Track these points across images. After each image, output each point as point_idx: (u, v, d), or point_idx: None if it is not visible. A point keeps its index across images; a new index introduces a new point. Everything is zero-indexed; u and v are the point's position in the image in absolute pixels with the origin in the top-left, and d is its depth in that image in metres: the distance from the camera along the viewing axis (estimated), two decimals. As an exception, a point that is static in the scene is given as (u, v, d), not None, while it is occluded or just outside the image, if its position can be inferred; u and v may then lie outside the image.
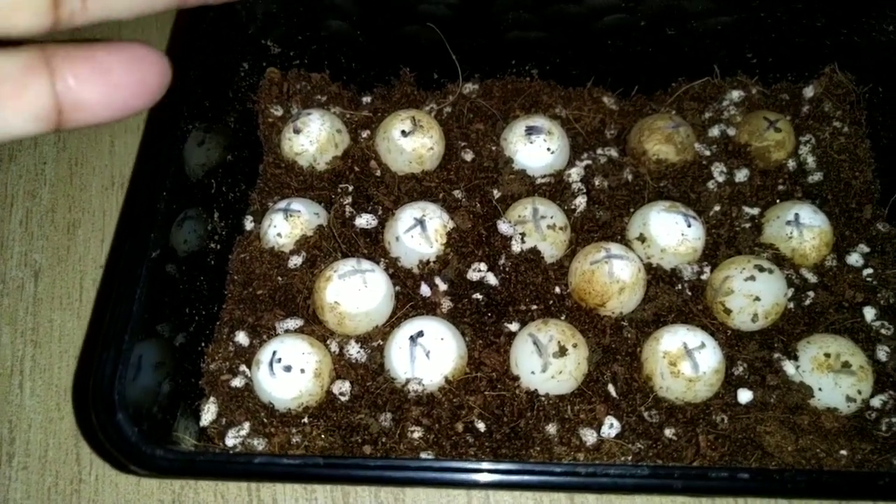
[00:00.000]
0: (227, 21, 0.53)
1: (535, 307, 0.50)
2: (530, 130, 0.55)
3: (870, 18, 0.56)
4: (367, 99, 0.60)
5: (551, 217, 0.51)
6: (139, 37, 0.68)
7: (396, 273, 0.51)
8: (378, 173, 0.55)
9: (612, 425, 0.45)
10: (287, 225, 0.51)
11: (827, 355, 0.47)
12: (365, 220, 0.52)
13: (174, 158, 0.46)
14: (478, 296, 0.50)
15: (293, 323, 0.49)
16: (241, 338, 0.49)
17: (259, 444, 0.44)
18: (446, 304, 0.50)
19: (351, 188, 0.54)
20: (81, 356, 0.53)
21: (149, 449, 0.37)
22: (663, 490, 0.37)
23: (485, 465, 0.37)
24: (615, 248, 0.50)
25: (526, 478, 0.37)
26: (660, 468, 0.38)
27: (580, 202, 0.53)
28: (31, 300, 0.56)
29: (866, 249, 0.53)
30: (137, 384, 0.40)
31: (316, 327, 0.49)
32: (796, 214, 0.52)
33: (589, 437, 0.45)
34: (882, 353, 0.49)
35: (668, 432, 0.46)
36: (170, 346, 0.45)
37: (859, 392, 0.46)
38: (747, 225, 0.53)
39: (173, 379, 0.45)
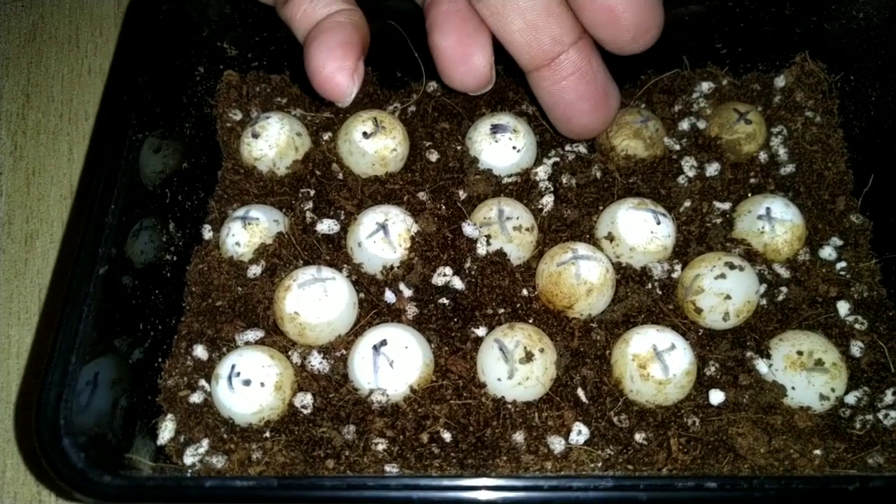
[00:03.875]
0: (179, 24, 0.52)
1: (502, 311, 0.49)
2: (495, 129, 0.53)
3: (839, 5, 0.55)
4: (328, 100, 0.59)
5: (517, 218, 0.50)
6: (97, 38, 0.67)
7: (360, 280, 0.50)
8: (340, 177, 0.54)
9: (580, 432, 0.44)
10: (245, 233, 0.50)
11: (800, 353, 0.46)
12: (327, 226, 0.51)
13: (123, 168, 0.44)
14: (444, 301, 0.49)
15: (253, 334, 0.48)
16: (200, 351, 0.47)
17: (218, 461, 0.43)
18: (411, 310, 0.49)
19: (312, 193, 0.53)
20: (25, 379, 0.51)
21: (96, 475, 0.36)
22: (628, 502, 0.36)
23: (444, 483, 0.36)
24: (582, 248, 0.48)
25: (487, 494, 0.36)
26: (625, 479, 0.37)
27: (547, 201, 0.52)
28: (-13, 316, 0.55)
29: (839, 242, 0.52)
30: (88, 406, 0.39)
31: (277, 338, 0.48)
32: (768, 208, 0.51)
33: (557, 444, 0.44)
34: (856, 348, 0.48)
35: (639, 437, 0.44)
36: (124, 363, 0.44)
37: (833, 390, 0.46)
38: (718, 220, 0.52)
39: (128, 397, 0.43)
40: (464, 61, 0.47)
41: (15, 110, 0.64)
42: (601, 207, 0.52)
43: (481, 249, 0.49)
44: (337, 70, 0.46)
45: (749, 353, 0.47)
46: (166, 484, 0.37)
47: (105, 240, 0.42)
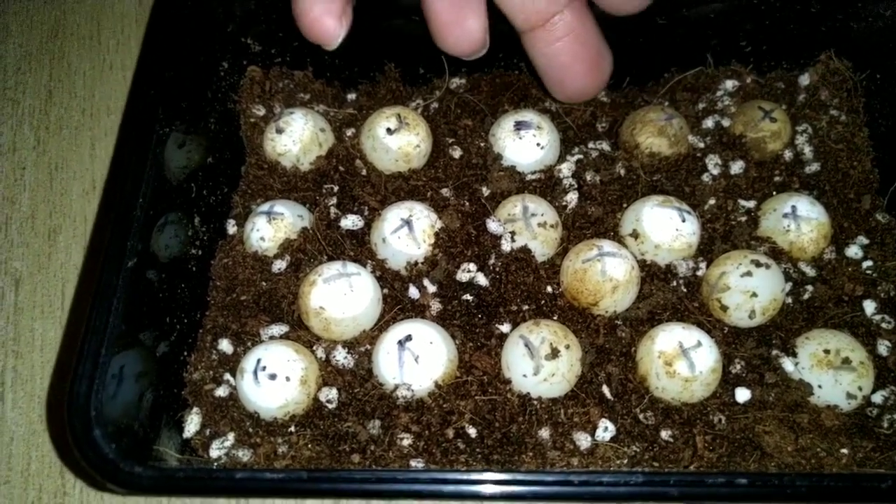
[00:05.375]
0: (204, 20, 0.52)
1: (526, 307, 0.48)
2: (519, 126, 0.53)
3: (866, 3, 0.55)
4: (351, 96, 0.59)
5: (542, 214, 0.50)
6: (118, 34, 0.67)
7: (384, 275, 0.50)
8: (364, 173, 0.54)
9: (606, 428, 0.44)
10: (270, 228, 0.50)
11: (826, 351, 0.46)
12: (351, 222, 0.51)
13: (150, 163, 0.44)
14: (468, 297, 0.49)
15: (278, 329, 0.48)
16: (225, 345, 0.47)
17: (244, 454, 0.43)
18: (435, 306, 0.49)
19: (336, 188, 0.53)
20: (56, 371, 0.51)
21: (127, 466, 0.36)
22: (659, 498, 0.36)
23: (474, 476, 0.36)
24: (608, 245, 0.48)
25: (517, 488, 0.36)
26: (655, 475, 0.37)
27: (571, 198, 0.52)
28: (11, 309, 0.55)
29: (865, 241, 0.52)
30: (116, 398, 0.39)
31: (302, 333, 0.48)
32: (793, 207, 0.50)
33: (583, 441, 0.43)
34: (883, 347, 0.47)
35: (665, 434, 0.44)
36: (151, 357, 0.44)
37: (860, 388, 0.45)
38: (743, 218, 0.52)
39: (155, 390, 0.44)
40: (458, 24, 0.46)
41: (38, 106, 0.64)
42: (625, 205, 0.52)
43: (506, 246, 0.49)
44: (324, 13, 0.45)
45: (775, 352, 0.47)
46: (197, 475, 0.37)
47: (133, 233, 0.42)
